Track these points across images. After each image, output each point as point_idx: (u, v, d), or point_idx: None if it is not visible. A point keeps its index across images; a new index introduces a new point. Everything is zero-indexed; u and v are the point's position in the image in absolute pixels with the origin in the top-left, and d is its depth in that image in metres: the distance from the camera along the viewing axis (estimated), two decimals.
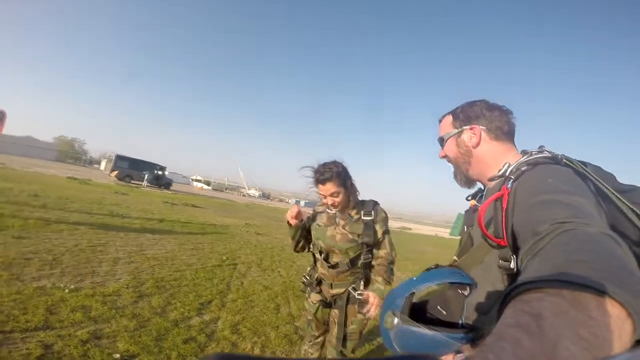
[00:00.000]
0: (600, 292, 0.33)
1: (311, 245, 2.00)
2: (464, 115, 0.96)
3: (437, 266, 1.00)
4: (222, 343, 2.53)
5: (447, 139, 1.00)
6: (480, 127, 0.93)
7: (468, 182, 1.01)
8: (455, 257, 1.00)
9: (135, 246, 5.22)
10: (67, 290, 2.90)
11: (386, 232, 1.87)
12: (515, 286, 0.39)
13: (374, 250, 1.88)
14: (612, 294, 0.33)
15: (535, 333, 0.29)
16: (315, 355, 2.15)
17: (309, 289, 2.04)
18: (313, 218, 1.97)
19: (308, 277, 2.05)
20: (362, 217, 1.82)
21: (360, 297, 1.83)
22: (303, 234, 1.96)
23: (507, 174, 0.83)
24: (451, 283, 0.89)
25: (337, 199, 1.76)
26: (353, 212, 1.85)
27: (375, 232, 1.82)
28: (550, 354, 0.27)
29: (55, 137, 65.49)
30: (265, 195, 79.62)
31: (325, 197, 1.78)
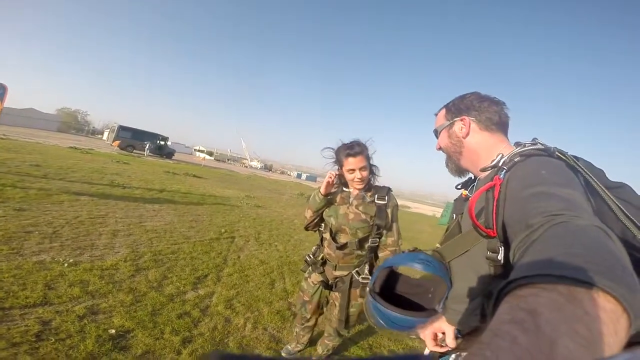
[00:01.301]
0: (596, 287, 0.33)
1: (322, 225, 2.00)
2: (455, 107, 1.01)
3: (415, 249, 1.06)
4: (215, 318, 2.61)
5: (440, 130, 1.05)
6: (470, 118, 0.96)
7: (459, 171, 1.06)
8: (438, 244, 1.04)
9: (135, 217, 5.31)
10: (66, 265, 2.98)
11: (395, 219, 1.91)
12: (509, 281, 0.39)
13: (382, 236, 1.90)
14: (608, 288, 0.33)
15: (532, 330, 0.29)
16: (306, 337, 2.22)
17: (310, 268, 2.05)
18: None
19: (312, 257, 2.05)
20: (376, 201, 1.85)
21: (364, 281, 1.85)
22: (323, 211, 1.96)
23: (499, 164, 0.84)
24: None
25: (365, 173, 1.81)
26: (368, 194, 1.88)
27: (387, 215, 1.85)
28: (548, 351, 0.27)
29: (57, 108, 65.19)
30: (267, 167, 79.74)
31: (353, 170, 1.79)
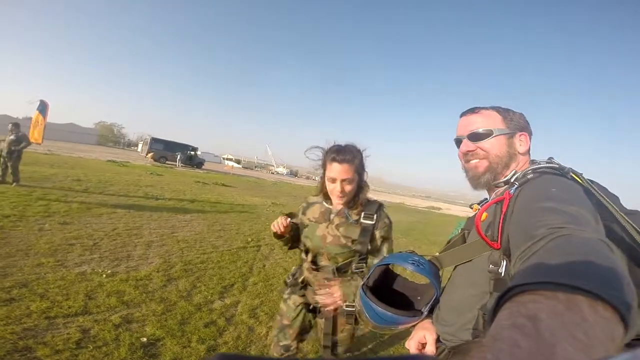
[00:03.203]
0: (594, 295, 0.34)
1: (301, 243, 1.72)
2: (515, 120, 0.95)
3: (412, 252, 1.09)
4: (239, 327, 2.71)
5: (499, 134, 0.92)
6: (529, 136, 0.96)
7: (487, 183, 0.95)
8: (437, 253, 1.05)
9: (168, 228, 5.60)
10: (104, 276, 3.21)
11: (387, 239, 1.60)
12: (509, 288, 0.40)
13: (369, 259, 1.59)
14: (606, 297, 0.34)
15: (532, 334, 0.30)
16: None
17: (289, 289, 1.76)
18: (304, 210, 1.70)
19: (291, 278, 1.78)
20: (362, 220, 1.54)
21: (349, 309, 1.55)
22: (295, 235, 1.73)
23: (511, 180, 0.85)
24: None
25: (348, 187, 1.50)
26: (353, 213, 1.56)
27: (373, 238, 1.57)
28: (548, 354, 0.28)
29: (95, 122, 69.37)
30: (293, 173, 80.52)
31: (334, 180, 1.49)
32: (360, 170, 1.55)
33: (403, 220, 14.65)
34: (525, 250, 0.55)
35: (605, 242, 0.49)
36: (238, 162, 76.71)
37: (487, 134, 0.92)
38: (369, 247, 1.56)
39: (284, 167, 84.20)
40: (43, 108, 9.00)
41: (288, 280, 1.79)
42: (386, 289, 1.08)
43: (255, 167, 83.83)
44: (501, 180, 0.89)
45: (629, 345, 0.40)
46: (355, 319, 1.58)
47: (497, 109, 0.96)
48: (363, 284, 1.04)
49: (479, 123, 0.95)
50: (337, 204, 1.58)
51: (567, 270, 0.40)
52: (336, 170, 1.48)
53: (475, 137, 0.94)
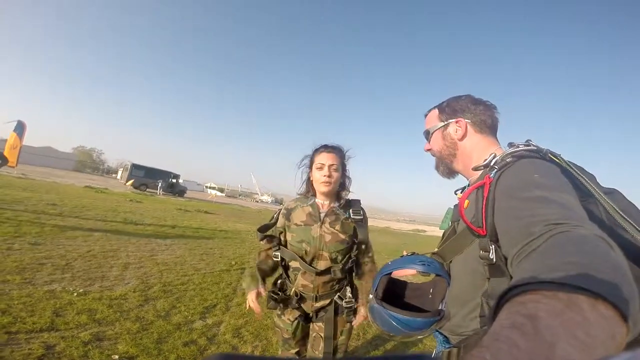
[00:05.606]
0: (595, 294, 0.33)
1: (278, 255, 1.68)
2: (450, 108, 1.00)
3: (413, 253, 1.04)
4: (222, 346, 2.54)
5: (433, 131, 1.03)
6: (466, 120, 0.96)
7: (450, 173, 1.05)
8: (436, 249, 1.03)
9: (146, 252, 5.34)
10: (75, 294, 2.99)
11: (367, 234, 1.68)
12: (509, 288, 0.39)
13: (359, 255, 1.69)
14: (607, 296, 0.33)
15: (531, 334, 0.29)
16: None
17: (281, 305, 1.67)
18: (287, 216, 1.67)
19: (280, 293, 1.68)
20: (352, 216, 1.61)
21: (349, 305, 1.62)
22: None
23: (491, 164, 0.84)
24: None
25: (335, 174, 1.59)
26: (340, 211, 1.65)
27: (366, 231, 1.64)
28: (547, 354, 0.27)
29: (73, 147, 67.73)
30: (278, 201, 79.90)
31: (322, 167, 1.58)
32: (343, 165, 1.66)
33: (390, 242, 14.65)
34: (523, 247, 0.54)
35: (604, 238, 0.48)
36: (221, 190, 75.83)
37: (427, 134, 1.07)
38: (365, 240, 1.63)
39: (268, 195, 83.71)
40: (20, 129, 8.71)
41: (277, 296, 1.67)
42: (391, 295, 1.00)
43: (240, 195, 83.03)
44: (481, 165, 0.88)
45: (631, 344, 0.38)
46: (354, 313, 1.64)
47: (439, 105, 1.04)
48: (375, 297, 0.96)
49: (426, 125, 1.09)
50: (323, 194, 1.62)
51: (567, 270, 0.38)
52: (324, 157, 1.59)
53: (426, 138, 1.09)
